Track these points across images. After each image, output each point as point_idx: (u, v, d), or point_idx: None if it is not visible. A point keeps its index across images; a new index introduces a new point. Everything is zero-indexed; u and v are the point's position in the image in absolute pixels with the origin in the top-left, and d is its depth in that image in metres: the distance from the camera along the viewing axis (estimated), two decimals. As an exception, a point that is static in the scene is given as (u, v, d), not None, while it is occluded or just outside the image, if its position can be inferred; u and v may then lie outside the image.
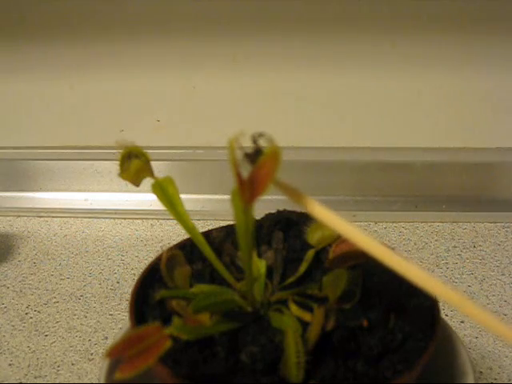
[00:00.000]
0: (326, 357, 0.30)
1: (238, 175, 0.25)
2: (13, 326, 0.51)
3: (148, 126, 0.74)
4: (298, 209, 0.40)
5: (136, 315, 0.32)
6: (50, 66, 0.72)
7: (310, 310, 0.31)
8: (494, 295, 0.53)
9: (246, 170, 0.25)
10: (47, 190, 0.75)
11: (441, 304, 0.33)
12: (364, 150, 0.70)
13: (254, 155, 0.25)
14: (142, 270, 0.36)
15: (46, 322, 0.51)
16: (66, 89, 0.73)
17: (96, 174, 0.73)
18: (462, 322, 0.49)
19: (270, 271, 0.36)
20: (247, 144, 0.25)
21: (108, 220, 0.69)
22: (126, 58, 0.70)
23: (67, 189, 0.74)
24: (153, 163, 0.34)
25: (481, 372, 0.44)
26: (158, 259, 0.35)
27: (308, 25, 0.67)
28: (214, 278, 0.35)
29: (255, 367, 0.28)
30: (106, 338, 0.49)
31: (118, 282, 0.57)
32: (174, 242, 0.38)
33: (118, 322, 0.51)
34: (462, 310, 0.24)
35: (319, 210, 0.26)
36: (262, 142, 0.25)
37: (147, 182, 0.34)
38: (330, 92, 0.70)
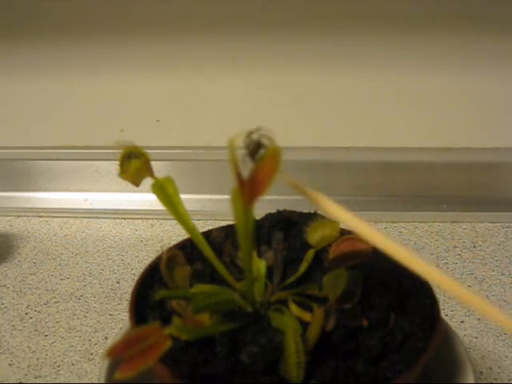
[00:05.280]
0: (326, 357, 0.30)
1: (238, 175, 0.25)
2: (13, 326, 0.51)
3: (148, 125, 0.74)
4: (298, 209, 0.40)
5: (136, 315, 0.33)
6: (49, 66, 0.72)
7: (310, 310, 0.31)
8: (493, 295, 0.53)
9: (246, 170, 0.25)
10: (47, 190, 0.75)
11: (441, 304, 0.33)
12: (364, 150, 0.70)
13: (255, 149, 0.25)
14: (141, 270, 0.36)
15: (46, 322, 0.51)
16: (66, 89, 0.73)
17: (96, 173, 0.73)
18: (462, 322, 0.49)
19: (270, 271, 0.35)
20: (247, 142, 0.25)
21: (108, 220, 0.69)
22: (126, 58, 0.70)
23: (67, 189, 0.74)
24: (153, 163, 0.34)
25: (481, 372, 0.44)
26: (158, 259, 0.35)
27: (308, 25, 0.67)
28: (214, 278, 0.35)
29: (255, 367, 0.28)
30: (106, 337, 0.49)
31: (118, 282, 0.57)
32: (174, 242, 0.38)
33: (118, 322, 0.51)
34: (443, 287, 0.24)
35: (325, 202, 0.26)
36: (263, 138, 0.25)
37: (147, 182, 0.34)
38: (330, 92, 0.70)
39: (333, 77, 0.69)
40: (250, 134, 0.25)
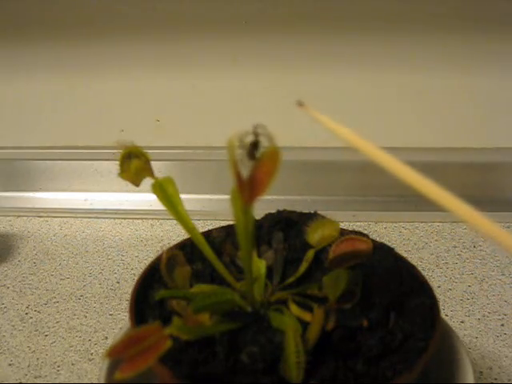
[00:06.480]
0: (326, 357, 0.30)
1: (238, 175, 0.25)
2: (13, 326, 0.51)
3: (148, 126, 0.74)
4: (298, 209, 0.40)
5: (136, 315, 0.32)
6: (49, 66, 0.72)
7: (310, 309, 0.31)
8: (493, 295, 0.53)
9: (245, 170, 0.25)
10: (47, 190, 0.75)
11: (441, 304, 0.33)
12: (364, 150, 0.70)
13: (253, 148, 0.25)
14: (141, 270, 0.36)
15: (46, 322, 0.51)
16: (66, 89, 0.73)
17: (96, 173, 0.73)
18: (462, 322, 0.49)
19: (270, 271, 0.36)
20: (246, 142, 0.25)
21: (108, 220, 0.69)
22: (126, 58, 0.70)
23: (67, 189, 0.74)
24: (153, 163, 0.34)
25: (481, 372, 0.44)
26: (158, 259, 0.35)
27: (308, 25, 0.67)
28: (214, 278, 0.35)
29: (255, 367, 0.28)
30: (106, 337, 0.49)
31: (118, 282, 0.57)
32: (174, 242, 0.38)
33: (118, 322, 0.51)
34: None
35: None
36: (262, 137, 0.25)
37: (147, 182, 0.34)
38: (330, 92, 0.70)
39: (333, 77, 0.69)
40: (249, 134, 0.25)
